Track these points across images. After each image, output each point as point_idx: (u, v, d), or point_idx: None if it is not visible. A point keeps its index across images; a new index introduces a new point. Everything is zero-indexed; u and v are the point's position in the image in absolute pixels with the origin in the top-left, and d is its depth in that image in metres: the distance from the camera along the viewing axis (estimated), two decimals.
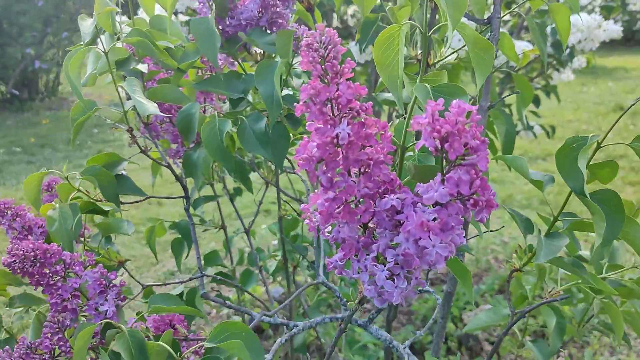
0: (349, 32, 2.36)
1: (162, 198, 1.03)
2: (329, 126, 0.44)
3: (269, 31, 0.81)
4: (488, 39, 0.72)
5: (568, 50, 1.58)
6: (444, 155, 0.44)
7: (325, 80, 0.45)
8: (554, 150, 0.96)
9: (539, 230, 0.65)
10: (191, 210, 1.07)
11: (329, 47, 0.45)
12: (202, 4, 0.85)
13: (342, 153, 0.46)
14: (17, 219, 1.05)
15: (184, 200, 0.99)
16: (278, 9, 0.83)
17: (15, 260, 0.62)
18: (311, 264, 1.46)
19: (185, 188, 0.96)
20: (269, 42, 0.79)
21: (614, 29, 1.72)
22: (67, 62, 0.79)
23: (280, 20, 0.83)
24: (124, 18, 0.96)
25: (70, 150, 5.83)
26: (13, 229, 1.09)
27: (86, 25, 0.83)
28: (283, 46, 0.75)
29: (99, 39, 0.84)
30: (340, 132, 0.44)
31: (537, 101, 1.91)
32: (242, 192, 1.54)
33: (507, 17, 1.56)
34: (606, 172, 0.62)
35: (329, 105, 0.45)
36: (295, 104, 0.59)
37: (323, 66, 0.45)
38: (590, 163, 0.62)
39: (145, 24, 0.92)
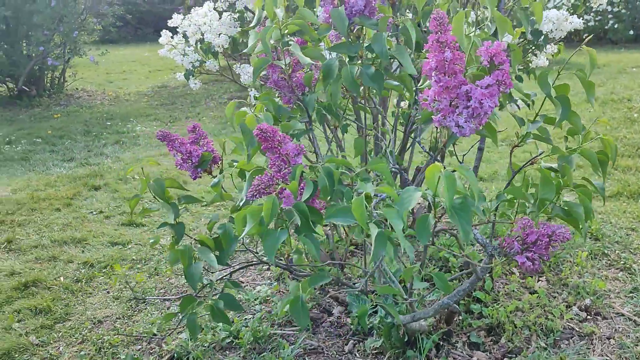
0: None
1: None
2: (442, 52, 1.04)
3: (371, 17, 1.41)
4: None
5: (542, 37, 2.19)
6: (491, 63, 1.04)
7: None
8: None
9: (529, 122, 1.25)
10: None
11: (443, 24, 1.05)
12: (326, 2, 1.45)
13: (446, 65, 1.05)
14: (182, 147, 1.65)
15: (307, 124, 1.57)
16: (373, 4, 1.43)
17: (259, 133, 1.19)
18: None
19: (308, 112, 1.54)
20: (373, 23, 1.38)
21: (576, 22, 2.37)
22: (262, 34, 1.37)
23: (375, 11, 1.43)
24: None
25: (88, 140, 6.31)
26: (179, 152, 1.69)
27: (256, 14, 1.41)
28: (383, 25, 1.35)
29: (267, 21, 1.42)
30: (447, 55, 1.04)
31: (520, 79, 2.52)
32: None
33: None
34: (563, 87, 1.23)
35: (443, 45, 1.05)
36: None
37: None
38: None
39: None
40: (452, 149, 1.50)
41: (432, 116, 1.08)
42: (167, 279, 3.10)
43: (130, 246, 3.52)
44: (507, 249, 1.06)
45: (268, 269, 3.07)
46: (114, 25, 8.23)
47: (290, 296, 1.16)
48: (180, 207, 1.58)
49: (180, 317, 2.60)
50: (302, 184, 1.18)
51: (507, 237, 1.08)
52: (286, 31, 1.41)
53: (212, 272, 2.58)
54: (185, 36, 2.95)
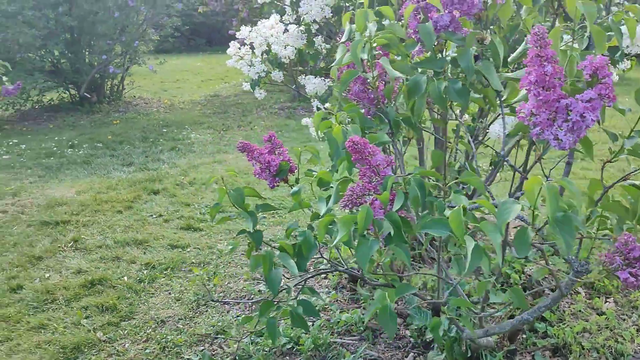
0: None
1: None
2: (542, 66, 1.05)
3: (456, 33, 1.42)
4: None
5: (619, 52, 2.15)
6: (593, 77, 1.04)
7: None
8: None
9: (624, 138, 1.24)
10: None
11: (543, 39, 1.06)
12: (415, 23, 1.47)
13: (546, 79, 1.06)
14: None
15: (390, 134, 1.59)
16: (457, 19, 1.45)
17: (351, 145, 1.22)
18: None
19: (390, 123, 1.56)
20: (459, 38, 1.40)
21: None
22: (353, 47, 1.41)
23: (460, 26, 1.44)
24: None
25: (146, 146, 6.53)
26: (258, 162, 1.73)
27: (346, 29, 1.45)
28: (470, 41, 1.36)
29: (357, 34, 1.46)
30: (547, 69, 1.04)
31: None
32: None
33: None
34: None
35: (543, 59, 1.05)
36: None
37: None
38: None
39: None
40: (540, 165, 1.49)
41: (530, 129, 1.08)
42: (226, 282, 3.17)
43: (189, 249, 3.62)
44: (607, 264, 1.05)
45: (326, 278, 3.09)
46: (172, 35, 8.51)
47: (377, 304, 1.17)
48: (258, 215, 1.63)
49: (239, 320, 2.65)
50: (392, 195, 1.20)
51: (607, 252, 1.07)
52: (374, 44, 1.44)
53: (289, 278, 2.63)
54: (252, 47, 3.03)
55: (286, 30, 2.95)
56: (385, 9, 1.55)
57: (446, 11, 1.44)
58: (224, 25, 21.06)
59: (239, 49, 3.02)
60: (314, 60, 3.04)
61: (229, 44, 3.07)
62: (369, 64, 1.52)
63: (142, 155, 6.16)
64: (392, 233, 1.12)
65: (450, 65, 1.40)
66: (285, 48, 2.91)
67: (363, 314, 2.53)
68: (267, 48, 2.99)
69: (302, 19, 2.87)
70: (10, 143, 6.68)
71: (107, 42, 7.62)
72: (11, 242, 3.71)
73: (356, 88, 1.65)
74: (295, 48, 2.91)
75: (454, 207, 1.07)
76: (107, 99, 9.07)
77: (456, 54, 1.36)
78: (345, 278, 2.99)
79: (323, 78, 2.81)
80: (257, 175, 1.74)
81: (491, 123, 2.00)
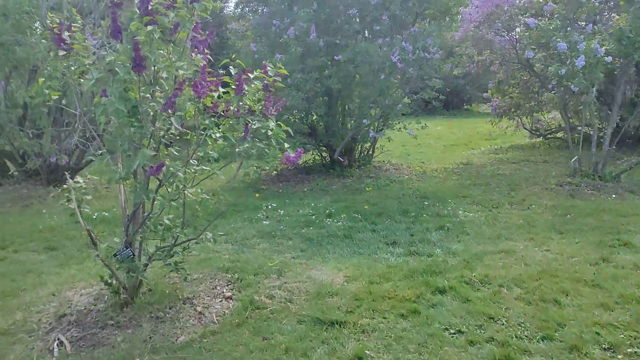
0: None
1: None
2: None
3: None
4: None
5: None
6: None
7: None
8: None
9: None
10: None
11: None
12: None
13: None
14: None
15: None
16: None
17: None
18: None
19: None
20: None
21: None
22: None
23: None
24: None
25: (408, 221, 5.65)
26: None
27: None
28: None
29: None
30: None
31: None
32: None
33: None
34: None
35: None
36: None
37: None
38: None
39: None
40: None
41: None
42: None
43: None
44: None
45: None
46: (436, 99, 7.75)
47: None
48: None
49: None
50: None
51: None
52: None
53: None
54: None
55: None
56: None
57: None
58: (464, 88, 20.23)
59: None
60: None
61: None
62: None
63: (406, 232, 5.27)
64: None
65: None
66: None
67: None
68: None
69: None
70: (269, 207, 6.46)
71: (369, 105, 7.14)
72: (282, 346, 2.99)
73: None
74: None
75: None
76: (357, 163, 8.65)
77: None
78: None
79: None
80: None
81: None
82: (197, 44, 3.27)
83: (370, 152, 8.84)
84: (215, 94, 3.14)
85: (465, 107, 21.88)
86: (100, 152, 3.24)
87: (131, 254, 3.37)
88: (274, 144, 3.57)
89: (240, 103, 3.24)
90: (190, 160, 3.28)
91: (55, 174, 7.85)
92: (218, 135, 3.30)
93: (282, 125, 3.54)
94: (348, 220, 5.76)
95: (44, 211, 6.67)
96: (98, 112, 2.77)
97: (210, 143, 3.35)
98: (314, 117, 8.23)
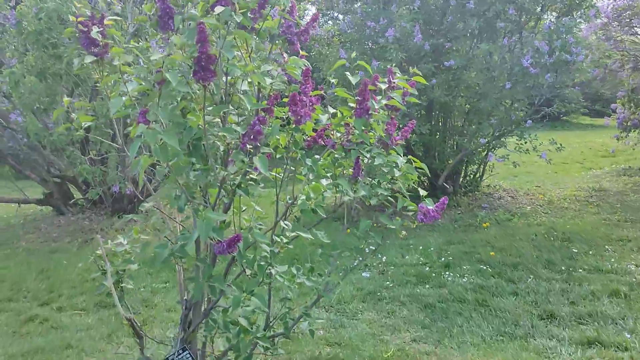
0: None
1: None
2: None
3: None
4: None
5: None
6: None
7: None
8: None
9: None
10: None
11: None
12: None
13: None
14: None
15: None
16: None
17: None
18: None
19: None
20: None
21: None
22: None
23: None
24: None
25: (557, 278, 4.18)
26: None
27: None
28: None
29: None
30: None
31: None
32: None
33: None
34: None
35: None
36: None
37: None
38: None
39: None
40: None
41: None
42: None
43: None
44: None
45: None
46: (576, 109, 6.20)
47: None
48: None
49: None
50: None
51: None
52: None
53: None
54: None
55: None
56: None
57: None
58: (566, 97, 18.05)
59: None
60: None
61: None
62: None
63: (562, 298, 3.81)
64: None
65: None
66: None
67: None
68: None
69: None
70: (366, 249, 5.16)
71: (490, 121, 5.71)
72: None
73: None
74: None
75: None
76: (463, 190, 7.20)
77: None
78: None
79: None
80: None
81: None
82: (292, 37, 2.07)
83: (479, 176, 7.36)
84: (324, 117, 1.92)
85: (564, 118, 19.68)
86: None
87: (189, 358, 2.21)
88: (402, 189, 2.37)
89: (363, 128, 2.00)
90: (281, 222, 2.07)
91: (120, 203, 7.00)
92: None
93: (415, 161, 2.32)
94: (474, 275, 4.36)
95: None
96: (132, 152, 1.61)
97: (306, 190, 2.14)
98: (411, 136, 6.89)
